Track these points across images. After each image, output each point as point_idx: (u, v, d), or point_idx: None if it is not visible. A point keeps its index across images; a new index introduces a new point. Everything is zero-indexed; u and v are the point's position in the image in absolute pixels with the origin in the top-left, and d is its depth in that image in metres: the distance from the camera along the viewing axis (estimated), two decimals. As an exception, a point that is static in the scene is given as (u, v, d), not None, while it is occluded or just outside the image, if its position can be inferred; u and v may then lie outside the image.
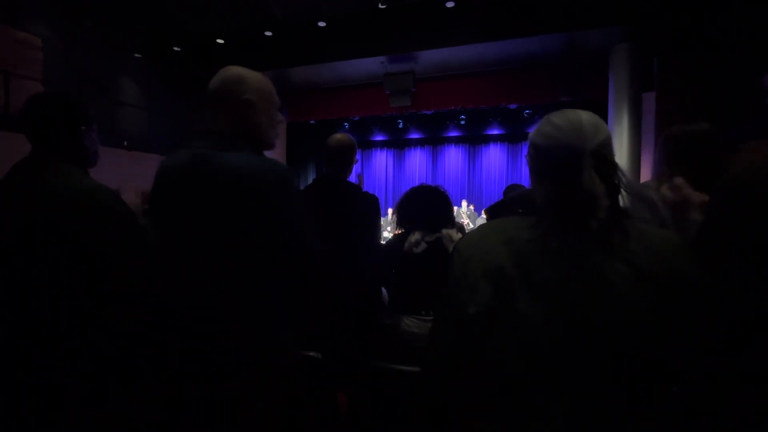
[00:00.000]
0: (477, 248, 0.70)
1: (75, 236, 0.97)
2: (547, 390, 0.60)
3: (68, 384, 0.99)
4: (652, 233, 0.63)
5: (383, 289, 1.87)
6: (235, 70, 1.01)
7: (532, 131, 0.73)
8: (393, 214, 1.84)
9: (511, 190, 2.36)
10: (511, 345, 0.63)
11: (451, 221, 1.72)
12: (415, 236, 1.63)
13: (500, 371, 0.63)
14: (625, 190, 0.65)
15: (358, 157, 1.75)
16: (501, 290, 0.64)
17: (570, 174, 0.64)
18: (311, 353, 1.28)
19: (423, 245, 1.61)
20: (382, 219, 7.70)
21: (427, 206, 1.69)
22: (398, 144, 10.89)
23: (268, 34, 5.66)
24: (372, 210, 1.67)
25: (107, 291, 1.01)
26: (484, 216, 7.80)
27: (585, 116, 0.68)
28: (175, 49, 6.05)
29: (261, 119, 1.02)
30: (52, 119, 1.07)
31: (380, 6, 4.92)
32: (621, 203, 0.66)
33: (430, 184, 1.78)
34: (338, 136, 1.71)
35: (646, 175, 5.12)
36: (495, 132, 9.73)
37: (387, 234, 7.14)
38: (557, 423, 0.59)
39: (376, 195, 1.74)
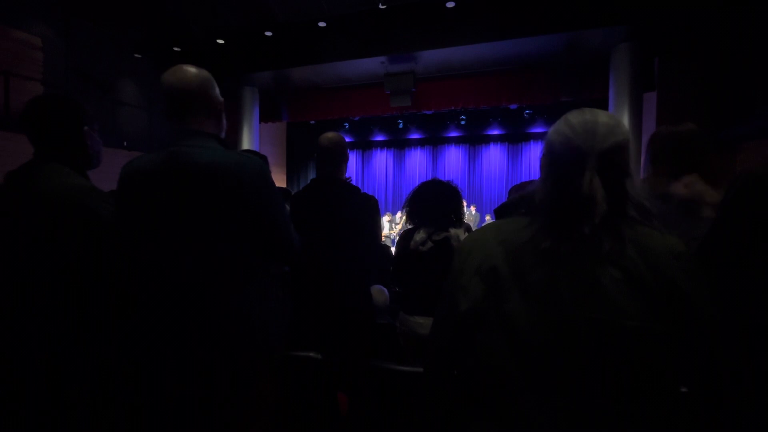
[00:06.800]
0: (475, 246, 0.71)
1: (49, 235, 0.98)
2: (536, 389, 0.60)
3: (47, 384, 0.98)
4: (654, 239, 0.61)
5: (385, 289, 1.85)
6: (203, 72, 1.04)
7: (551, 128, 0.71)
8: (403, 208, 1.81)
9: (516, 190, 2.33)
10: (501, 343, 0.63)
11: (459, 219, 1.67)
12: (420, 234, 1.60)
13: (492, 369, 0.64)
14: (630, 200, 0.63)
15: (358, 157, 1.73)
16: (493, 289, 0.65)
17: (571, 175, 0.63)
18: (311, 353, 1.28)
19: (429, 244, 1.58)
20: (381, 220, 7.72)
21: (435, 202, 1.64)
22: (398, 144, 10.90)
23: (268, 34, 5.66)
24: (371, 210, 1.64)
25: (85, 290, 1.01)
26: (487, 219, 7.83)
27: (602, 117, 0.66)
28: (175, 49, 6.06)
29: (225, 119, 1.12)
30: (52, 120, 1.07)
31: (380, 6, 4.93)
32: (629, 209, 0.63)
33: (443, 179, 1.72)
34: (329, 134, 1.64)
35: (646, 175, 5.12)
36: (495, 132, 9.74)
37: (387, 234, 7.15)
38: (547, 423, 0.59)
39: (375, 196, 1.71)
